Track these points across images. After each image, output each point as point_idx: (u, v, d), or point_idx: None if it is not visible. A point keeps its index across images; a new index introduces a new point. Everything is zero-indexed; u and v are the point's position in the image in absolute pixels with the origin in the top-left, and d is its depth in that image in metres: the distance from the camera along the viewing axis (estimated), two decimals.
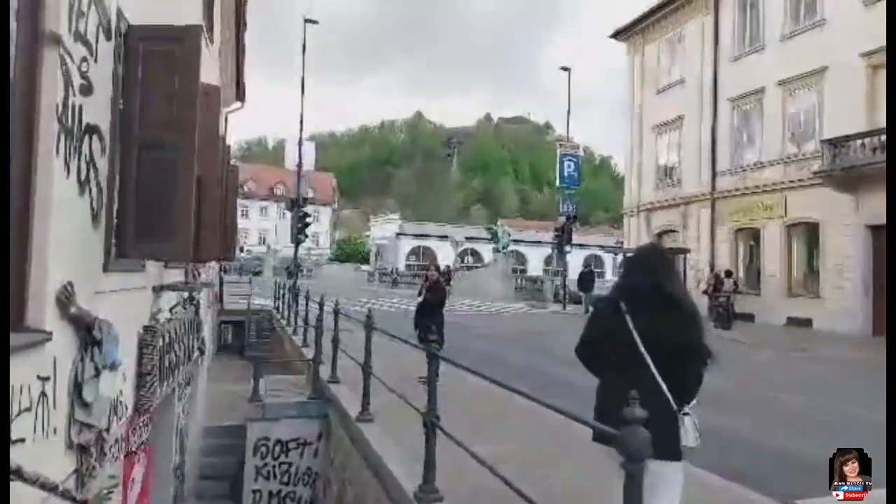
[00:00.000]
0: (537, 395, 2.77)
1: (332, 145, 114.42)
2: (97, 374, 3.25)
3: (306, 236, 22.25)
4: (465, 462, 3.24)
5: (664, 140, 24.63)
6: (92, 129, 3.23)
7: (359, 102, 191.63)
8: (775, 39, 19.56)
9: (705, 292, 18.77)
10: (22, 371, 2.47)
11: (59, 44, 2.72)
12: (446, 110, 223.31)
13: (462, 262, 54.93)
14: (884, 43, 14.74)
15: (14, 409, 2.41)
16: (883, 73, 15.65)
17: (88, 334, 3.16)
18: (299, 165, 23.33)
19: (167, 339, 5.12)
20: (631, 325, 2.74)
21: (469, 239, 59.75)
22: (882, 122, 15.47)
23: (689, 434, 2.68)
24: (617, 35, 27.08)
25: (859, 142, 15.90)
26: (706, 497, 3.94)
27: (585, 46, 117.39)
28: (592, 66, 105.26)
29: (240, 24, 13.12)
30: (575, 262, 33.04)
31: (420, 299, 9.01)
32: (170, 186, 3.72)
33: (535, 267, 57.04)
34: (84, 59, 3.04)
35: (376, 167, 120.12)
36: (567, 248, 25.70)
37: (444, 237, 58.83)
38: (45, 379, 2.74)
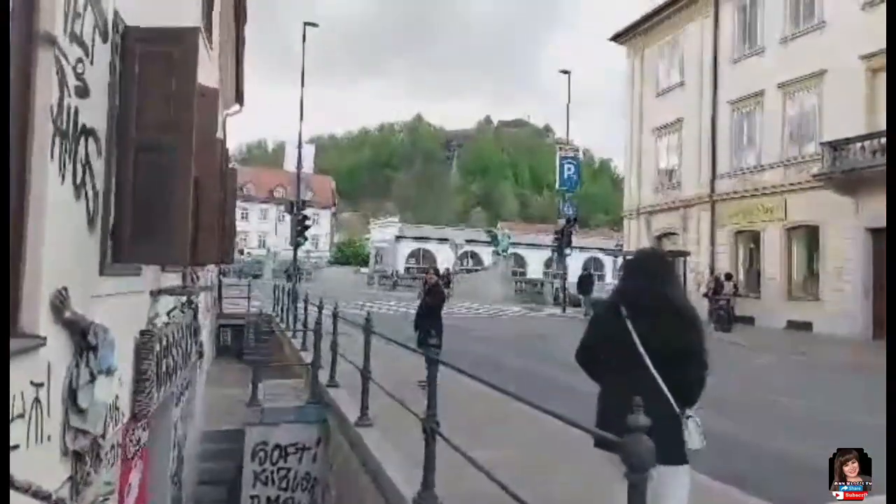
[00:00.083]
0: (537, 399, 2.74)
1: (331, 148, 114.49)
2: (92, 379, 3.20)
3: (305, 239, 22.18)
4: (464, 468, 3.21)
5: (664, 142, 24.62)
6: (88, 132, 3.19)
7: (359, 105, 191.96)
8: (775, 42, 19.57)
9: (705, 295, 18.76)
10: (15, 377, 2.43)
11: (54, 45, 2.68)
12: (446, 113, 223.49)
13: (462, 264, 54.89)
14: (883, 45, 14.74)
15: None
16: (882, 76, 15.64)
17: (83, 339, 3.12)
18: (299, 168, 23.27)
19: (164, 344, 5.08)
20: (631, 329, 2.73)
21: (469, 242, 59.74)
22: (881, 124, 15.46)
23: (693, 437, 2.67)
24: (616, 38, 27.08)
25: (859, 145, 15.88)
26: (706, 502, 3.90)
27: (585, 49, 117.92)
28: (592, 69, 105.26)
29: (239, 28, 13.13)
30: (575, 264, 33.09)
31: (420, 303, 8.99)
32: (167, 189, 3.68)
33: (534, 270, 56.98)
34: (80, 61, 3.01)
35: (376, 170, 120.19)
36: (567, 250, 25.67)
37: (443, 240, 58.82)
38: (38, 385, 2.70)
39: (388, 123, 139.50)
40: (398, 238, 60.41)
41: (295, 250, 22.22)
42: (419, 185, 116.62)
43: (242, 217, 70.07)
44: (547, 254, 51.30)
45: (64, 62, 2.81)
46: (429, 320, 8.02)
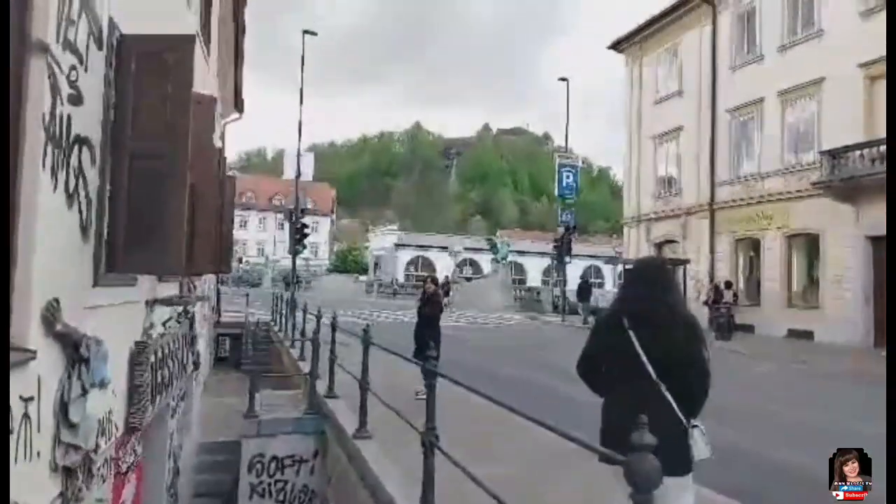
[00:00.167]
0: (538, 411, 2.68)
1: (331, 156, 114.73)
2: (84, 393, 3.14)
3: (304, 247, 22.13)
4: (464, 482, 3.14)
5: (663, 150, 24.62)
6: (81, 140, 3.14)
7: (358, 113, 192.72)
8: (773, 50, 19.61)
9: (705, 303, 18.71)
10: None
11: (47, 52, 2.63)
12: (445, 121, 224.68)
13: (461, 272, 54.78)
14: (881, 53, 14.76)
15: None
16: (881, 84, 15.67)
17: (76, 352, 3.05)
18: (297, 176, 23.27)
19: (160, 355, 5.02)
20: (634, 339, 2.70)
21: (468, 249, 59.67)
22: (880, 132, 15.45)
23: (699, 446, 2.64)
24: (615, 46, 27.15)
25: (858, 152, 15.88)
26: None
27: (584, 57, 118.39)
28: (591, 77, 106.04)
29: (238, 36, 13.12)
30: (574, 272, 33.00)
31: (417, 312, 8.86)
32: (162, 197, 3.63)
33: (534, 278, 56.96)
34: (73, 68, 2.96)
35: (375, 178, 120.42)
36: (566, 258, 25.63)
37: (442, 248, 58.74)
38: (28, 400, 2.64)
39: (387, 131, 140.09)
40: (397, 246, 60.34)
41: (294, 258, 22.16)
42: (418, 192, 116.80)
43: (241, 225, 70.11)
44: (546, 261, 51.28)
45: (57, 70, 2.77)
46: (428, 330, 7.92)
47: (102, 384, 3.42)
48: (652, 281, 2.91)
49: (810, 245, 18.43)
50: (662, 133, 24.36)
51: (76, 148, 3.08)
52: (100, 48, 3.33)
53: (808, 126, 18.50)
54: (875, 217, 15.03)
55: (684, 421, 2.64)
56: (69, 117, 2.95)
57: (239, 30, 12.99)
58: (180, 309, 6.09)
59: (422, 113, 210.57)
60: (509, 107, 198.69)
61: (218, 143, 9.05)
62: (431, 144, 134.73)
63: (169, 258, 3.78)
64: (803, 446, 6.24)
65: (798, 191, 18.29)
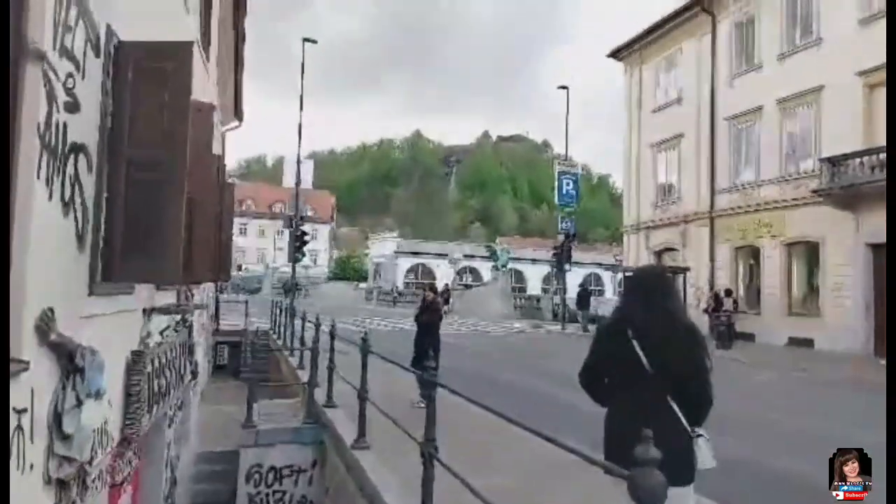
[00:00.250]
0: (538, 420, 2.65)
1: (331, 163, 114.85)
2: (79, 403, 3.09)
3: (304, 255, 22.13)
4: (462, 493, 3.10)
5: (662, 158, 24.65)
6: (78, 147, 3.11)
7: (358, 121, 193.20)
8: (772, 58, 19.66)
9: (705, 311, 18.66)
10: None
11: (43, 59, 2.61)
12: (445, 129, 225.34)
13: (461, 280, 54.76)
14: (880, 61, 14.81)
15: None
16: (880, 92, 15.70)
17: (70, 362, 3.01)
18: (297, 183, 23.30)
19: (157, 364, 4.97)
20: (637, 348, 2.69)
21: (467, 257, 59.66)
22: (879, 140, 15.47)
23: (704, 455, 2.63)
24: (614, 54, 27.23)
25: (858, 160, 15.89)
26: None
27: (583, 65, 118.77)
28: (590, 85, 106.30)
29: (238, 44, 13.14)
30: (574, 280, 32.96)
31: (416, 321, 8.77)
32: (159, 205, 3.60)
33: (534, 285, 56.85)
34: (70, 76, 2.94)
35: (375, 185, 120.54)
36: (566, 266, 25.59)
37: (442, 255, 58.73)
38: (21, 411, 2.59)
39: (387, 139, 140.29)
40: (397, 253, 60.29)
41: (293, 266, 22.16)
42: (418, 200, 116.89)
43: (241, 233, 70.15)
44: (546, 269, 51.15)
45: (53, 77, 2.74)
46: (427, 339, 7.86)
47: (98, 394, 3.38)
48: (653, 289, 2.90)
49: (810, 253, 18.40)
50: (662, 141, 24.39)
51: (72, 156, 3.05)
52: (97, 55, 3.31)
53: (807, 134, 18.53)
54: (875, 224, 15.02)
55: (689, 430, 2.63)
56: (65, 125, 2.92)
57: (239, 37, 13.01)
58: (178, 317, 6.05)
59: (421, 120, 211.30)
60: (509, 114, 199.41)
61: (217, 151, 9.04)
62: (431, 152, 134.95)
63: (166, 267, 3.75)
64: (804, 454, 6.21)
65: (797, 199, 18.29)
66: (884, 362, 13.17)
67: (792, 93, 18.66)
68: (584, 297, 24.34)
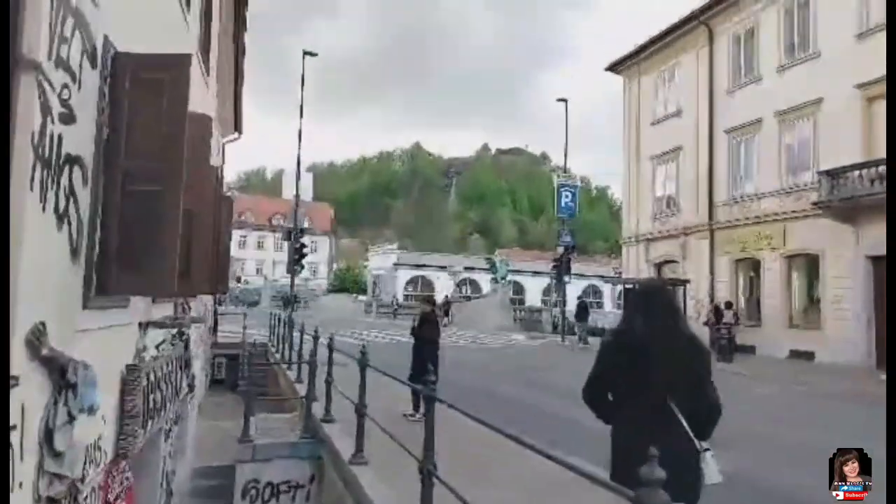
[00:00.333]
0: (540, 435, 2.61)
1: (330, 176, 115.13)
2: (71, 419, 3.03)
3: (303, 267, 22.08)
4: None
5: (661, 171, 24.69)
6: (73, 159, 3.07)
7: (358, 133, 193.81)
8: (771, 71, 19.76)
9: (706, 324, 18.59)
10: None
11: (37, 70, 2.58)
12: (445, 141, 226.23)
13: (460, 292, 54.69)
14: (878, 74, 14.88)
15: None
16: (878, 104, 15.76)
17: (62, 377, 2.95)
18: (297, 195, 23.31)
19: (153, 378, 4.91)
20: (642, 362, 2.68)
21: (467, 269, 59.64)
22: (878, 153, 15.51)
23: (711, 470, 2.61)
24: (613, 67, 27.37)
25: (857, 173, 15.91)
26: None
27: (582, 78, 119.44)
28: (590, 98, 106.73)
29: (238, 57, 13.19)
30: (574, 292, 32.91)
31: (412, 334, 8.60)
32: (155, 218, 3.56)
33: (533, 297, 56.75)
34: (65, 86, 2.91)
35: (375, 197, 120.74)
36: (566, 278, 25.55)
37: (442, 267, 58.70)
38: (10, 428, 2.53)
39: (386, 151, 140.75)
40: (397, 265, 60.28)
41: (292, 278, 22.12)
42: (418, 212, 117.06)
43: (240, 245, 70.14)
44: (546, 281, 51.13)
45: (48, 88, 2.71)
46: (426, 353, 7.76)
47: (91, 410, 3.31)
48: (656, 303, 2.90)
49: (810, 265, 18.38)
50: (661, 153, 24.44)
51: (67, 168, 3.01)
52: (94, 66, 3.28)
53: (806, 146, 18.57)
54: (875, 237, 15.01)
55: (697, 444, 2.62)
56: (60, 136, 2.88)
57: (239, 50, 13.06)
58: (175, 331, 5.99)
59: (421, 133, 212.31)
60: (508, 127, 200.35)
61: (216, 163, 9.02)
62: (431, 164, 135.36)
63: (162, 280, 3.70)
64: (804, 467, 6.18)
65: (796, 211, 18.30)
66: (884, 377, 13.11)
67: (791, 105, 18.73)
68: (582, 309, 24.29)
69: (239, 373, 15.32)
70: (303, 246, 21.40)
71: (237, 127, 16.39)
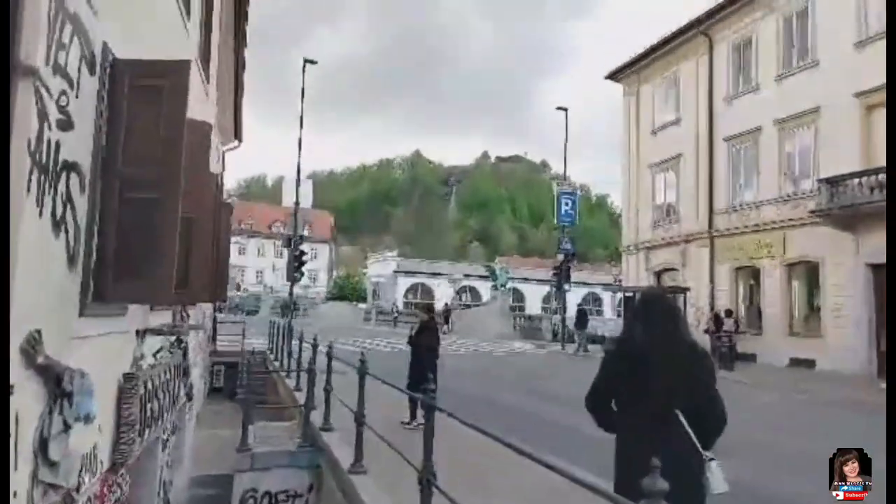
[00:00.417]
0: (542, 445, 2.58)
1: (330, 183, 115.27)
2: (66, 428, 3.00)
3: (302, 274, 22.03)
4: None
5: (661, 179, 24.71)
6: (70, 166, 3.06)
7: (358, 141, 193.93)
8: (770, 80, 19.81)
9: (706, 332, 18.55)
10: None
11: (34, 76, 2.57)
12: (444, 149, 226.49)
13: (460, 300, 54.64)
14: (876, 83, 14.92)
15: None
16: (877, 113, 15.79)
17: (58, 386, 2.92)
18: (296, 203, 23.31)
19: (150, 387, 4.87)
20: (647, 371, 2.67)
21: (467, 276, 59.60)
22: (877, 161, 15.53)
23: (717, 479, 2.59)
24: (612, 76, 27.44)
25: (856, 181, 15.91)
26: None
27: (582, 86, 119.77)
28: (589, 106, 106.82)
29: (238, 64, 13.23)
30: (574, 300, 32.88)
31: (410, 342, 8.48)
32: (153, 225, 3.54)
33: (533, 305, 56.68)
34: (63, 93, 2.90)
35: (375, 205, 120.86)
36: (566, 286, 25.52)
37: (442, 275, 58.68)
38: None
39: (386, 159, 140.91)
40: (396, 273, 60.23)
41: (291, 286, 22.04)
42: (418, 219, 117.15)
43: (240, 252, 70.09)
44: (546, 288, 51.08)
45: (45, 94, 2.70)
46: (426, 362, 7.70)
47: (87, 419, 3.28)
48: (658, 311, 2.90)
49: (810, 273, 18.36)
50: (660, 161, 24.47)
51: (65, 174, 3.00)
52: (92, 73, 3.28)
53: (805, 155, 18.59)
54: (875, 245, 14.99)
55: (703, 453, 2.60)
56: (58, 143, 2.87)
57: (239, 59, 13.10)
58: (173, 339, 5.96)
59: (421, 141, 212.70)
60: (508, 135, 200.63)
61: (216, 171, 9.02)
62: (431, 172, 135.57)
63: (160, 287, 3.68)
64: (804, 475, 6.16)
65: (795, 219, 18.30)
66: (884, 385, 13.07)
67: (790, 114, 18.77)
68: (581, 316, 24.26)
69: (238, 381, 15.26)
70: (302, 253, 21.37)
71: (237, 135, 16.42)
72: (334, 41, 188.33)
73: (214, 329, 17.57)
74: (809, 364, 17.33)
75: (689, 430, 2.58)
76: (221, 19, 10.69)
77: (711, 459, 2.61)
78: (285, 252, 23.97)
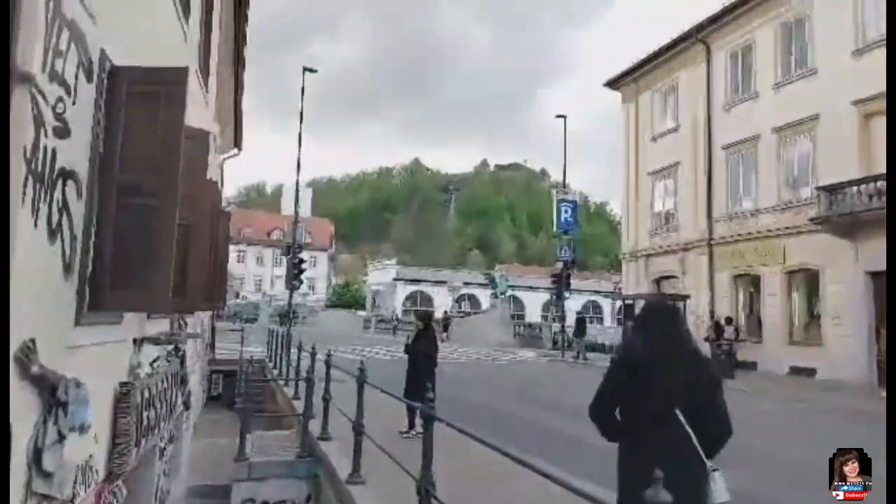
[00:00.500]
0: (543, 455, 2.55)
1: (330, 191, 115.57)
2: (61, 439, 2.96)
3: (301, 282, 22.01)
4: None
5: (660, 186, 24.74)
6: (67, 173, 3.03)
7: (357, 150, 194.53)
8: (768, 88, 19.87)
9: (706, 339, 18.50)
10: None
11: (30, 83, 2.55)
12: (444, 157, 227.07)
13: (460, 307, 54.53)
14: (874, 91, 14.95)
15: None
16: (875, 121, 15.82)
17: (52, 396, 2.89)
18: (296, 211, 23.33)
19: (147, 396, 4.83)
20: (648, 379, 2.67)
21: (466, 284, 59.52)
22: (875, 169, 15.55)
23: (720, 489, 2.60)
24: (611, 84, 27.53)
25: (855, 188, 15.93)
26: None
27: (581, 94, 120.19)
28: (588, 114, 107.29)
29: (238, 73, 13.25)
30: (574, 307, 32.82)
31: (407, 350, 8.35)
32: (150, 233, 3.51)
33: (533, 312, 56.63)
34: (60, 100, 2.88)
35: (374, 213, 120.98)
36: (566, 294, 25.49)
37: (441, 283, 58.60)
38: None
39: (386, 167, 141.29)
40: (396, 280, 60.16)
41: (290, 294, 22.01)
42: (417, 227, 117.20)
43: (239, 260, 70.09)
44: (545, 296, 51.04)
45: (41, 101, 2.68)
46: (423, 370, 7.64)
47: (83, 428, 3.24)
48: (665, 320, 2.91)
49: (810, 281, 18.34)
50: (659, 169, 24.51)
51: (61, 181, 2.97)
52: (89, 80, 3.26)
53: (804, 162, 18.62)
54: (874, 252, 14.97)
55: (707, 462, 2.60)
56: (54, 150, 2.85)
57: (239, 68, 13.12)
58: (170, 347, 5.92)
59: (420, 149, 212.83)
60: (507, 143, 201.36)
61: (214, 178, 9.00)
62: (430, 180, 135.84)
63: (157, 295, 3.65)
64: (803, 484, 6.13)
65: (794, 227, 18.30)
66: (884, 394, 13.03)
67: (788, 122, 18.81)
68: (580, 324, 24.21)
69: (236, 389, 15.19)
70: (301, 261, 21.36)
71: (237, 143, 16.44)
72: (334, 49, 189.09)
73: (213, 337, 17.51)
74: (810, 372, 17.28)
75: (691, 432, 2.57)
76: (221, 26, 10.71)
77: (715, 469, 2.61)
78: (284, 260, 23.94)
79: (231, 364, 16.95)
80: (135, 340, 4.72)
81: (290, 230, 24.47)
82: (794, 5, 19.00)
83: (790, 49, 19.34)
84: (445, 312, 42.13)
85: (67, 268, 3.18)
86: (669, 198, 24.15)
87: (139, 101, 3.54)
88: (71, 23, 2.95)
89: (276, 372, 14.68)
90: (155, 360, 5.30)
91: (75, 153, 3.14)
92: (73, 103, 3.06)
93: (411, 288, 60.00)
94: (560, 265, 25.55)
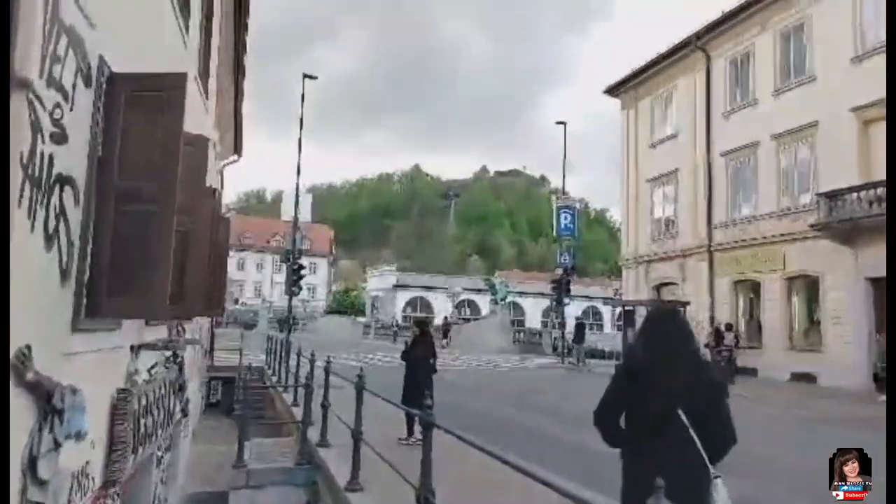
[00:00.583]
0: (543, 462, 2.53)
1: (330, 197, 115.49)
2: (56, 446, 2.94)
3: (300, 289, 21.99)
4: None
5: (659, 193, 24.76)
6: (64, 179, 3.02)
7: (357, 156, 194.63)
8: (767, 95, 19.91)
9: (706, 346, 18.47)
10: None
11: (28, 88, 2.54)
12: (443, 163, 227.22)
13: (459, 313, 54.46)
14: (873, 98, 14.99)
15: None
16: (874, 127, 15.85)
17: (48, 403, 2.87)
18: (295, 217, 23.32)
19: (145, 402, 4.81)
20: (649, 385, 2.66)
21: (466, 290, 59.45)
22: (875, 175, 15.56)
23: (722, 497, 2.60)
24: (610, 91, 27.60)
25: (855, 195, 15.95)
26: None
27: (581, 100, 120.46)
28: (588, 120, 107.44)
29: (238, 79, 13.27)
30: (573, 313, 32.79)
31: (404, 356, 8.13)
32: (148, 239, 3.49)
33: (533, 318, 56.53)
34: (57, 106, 2.87)
35: (374, 219, 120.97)
36: (565, 299, 25.46)
37: (441, 289, 58.52)
38: None
39: (385, 173, 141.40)
40: (396, 287, 60.10)
41: (290, 300, 21.99)
42: (417, 233, 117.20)
43: (239, 266, 70.04)
44: (545, 302, 50.92)
45: (39, 107, 2.67)
46: (420, 377, 7.59)
47: (79, 436, 3.22)
48: (669, 328, 2.90)
49: (810, 287, 18.32)
50: (659, 176, 24.53)
51: (58, 187, 2.96)
52: (87, 85, 3.25)
53: (803, 169, 18.64)
54: (874, 258, 14.97)
55: (711, 469, 2.60)
56: (51, 156, 2.84)
57: (239, 74, 13.15)
58: (168, 353, 5.89)
59: (420, 155, 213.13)
60: (506, 150, 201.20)
61: (214, 185, 9.00)
62: (430, 186, 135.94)
63: (154, 302, 3.63)
64: (802, 490, 6.10)
65: (794, 233, 18.30)
66: (883, 398, 12.99)
67: (787, 128, 18.84)
68: (579, 330, 24.19)
69: (235, 396, 15.13)
70: (301, 267, 21.35)
71: (237, 149, 16.46)
72: (334, 56, 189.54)
73: (212, 343, 17.45)
74: (810, 379, 17.24)
75: (694, 435, 2.56)
76: (221, 32, 10.73)
77: (717, 477, 2.60)
78: (284, 266, 23.92)
79: (230, 371, 16.87)
80: (132, 347, 4.70)
81: (290, 236, 24.44)
82: (794, 12, 19.07)
83: (789, 56, 19.41)
84: (445, 318, 42.10)
85: (64, 274, 3.16)
86: (669, 204, 24.17)
87: (138, 107, 3.53)
88: (69, 28, 2.94)
89: (275, 378, 14.63)
90: (153, 367, 5.28)
91: (73, 159, 3.13)
92: (71, 109, 3.05)
93: (411, 294, 59.93)
94: (560, 271, 25.55)
